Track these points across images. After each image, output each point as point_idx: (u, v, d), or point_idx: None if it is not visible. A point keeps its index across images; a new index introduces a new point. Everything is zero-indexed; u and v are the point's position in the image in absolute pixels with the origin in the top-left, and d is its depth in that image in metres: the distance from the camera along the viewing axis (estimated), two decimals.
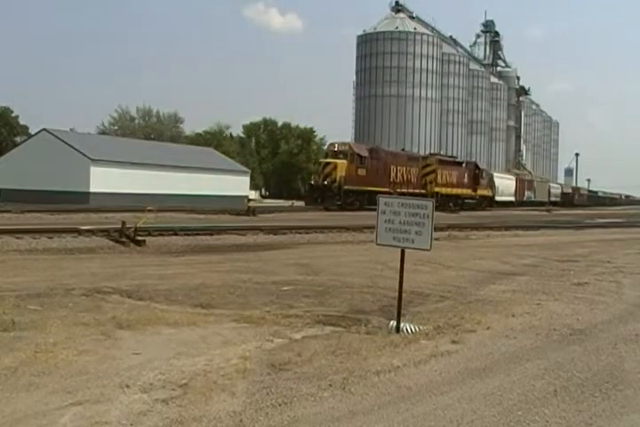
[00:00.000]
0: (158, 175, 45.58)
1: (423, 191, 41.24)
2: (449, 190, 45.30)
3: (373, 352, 5.62)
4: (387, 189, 37.06)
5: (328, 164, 36.15)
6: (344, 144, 39.01)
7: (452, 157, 55.18)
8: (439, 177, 44.41)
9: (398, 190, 37.95)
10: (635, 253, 15.94)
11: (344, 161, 35.67)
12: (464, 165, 50.88)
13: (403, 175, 41.18)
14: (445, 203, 42.14)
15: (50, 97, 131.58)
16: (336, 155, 36.62)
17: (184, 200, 40.42)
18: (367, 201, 35.80)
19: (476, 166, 51.99)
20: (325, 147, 41.20)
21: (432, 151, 65.57)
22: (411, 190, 39.53)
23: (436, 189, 42.97)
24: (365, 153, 37.68)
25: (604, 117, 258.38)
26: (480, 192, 51.04)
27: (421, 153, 59.81)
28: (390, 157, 41.00)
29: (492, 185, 55.06)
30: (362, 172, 36.68)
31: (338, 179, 34.90)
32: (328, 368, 5.10)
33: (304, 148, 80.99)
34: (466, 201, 48.28)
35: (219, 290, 8.60)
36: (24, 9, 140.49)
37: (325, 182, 35.34)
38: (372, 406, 4.31)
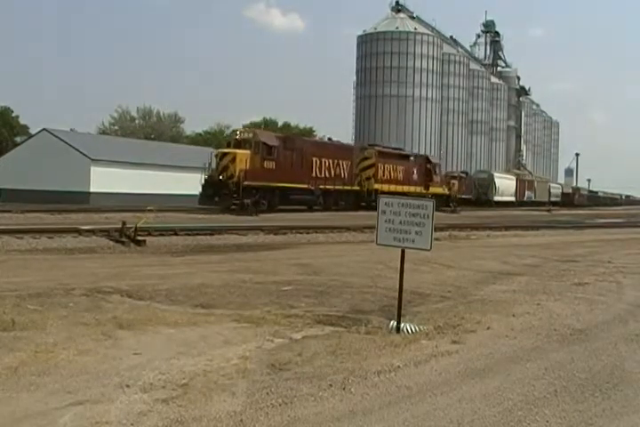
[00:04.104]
0: (158, 175, 45.53)
1: (357, 188, 36.06)
2: (392, 188, 37.99)
3: (373, 352, 5.62)
4: (306, 186, 32.30)
5: (225, 154, 29.17)
6: (248, 131, 32.55)
7: (397, 148, 46.98)
8: (380, 172, 38.41)
9: (322, 187, 33.41)
10: (635, 254, 15.93)
11: (246, 151, 28.97)
12: (412, 158, 43.97)
13: (330, 169, 34.70)
14: None
15: (50, 97, 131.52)
16: (238, 144, 29.86)
17: (184, 200, 40.37)
18: (279, 200, 30.90)
19: (428, 160, 45.74)
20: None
21: (438, 154, 65.13)
22: (339, 187, 34.75)
23: (376, 186, 36.64)
24: (275, 142, 30.91)
25: (604, 117, 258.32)
26: (433, 190, 43.54)
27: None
28: (312, 148, 34.44)
29: (450, 182, 48.46)
30: (270, 164, 30.06)
31: (237, 173, 28.02)
32: (328, 368, 5.10)
33: None
34: None
35: (219, 290, 8.60)
36: (23, 8, 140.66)
37: (221, 177, 28.48)
38: (373, 406, 4.31)
